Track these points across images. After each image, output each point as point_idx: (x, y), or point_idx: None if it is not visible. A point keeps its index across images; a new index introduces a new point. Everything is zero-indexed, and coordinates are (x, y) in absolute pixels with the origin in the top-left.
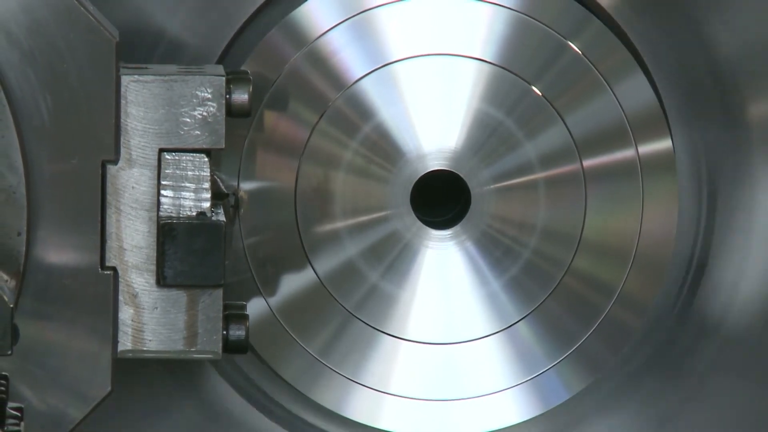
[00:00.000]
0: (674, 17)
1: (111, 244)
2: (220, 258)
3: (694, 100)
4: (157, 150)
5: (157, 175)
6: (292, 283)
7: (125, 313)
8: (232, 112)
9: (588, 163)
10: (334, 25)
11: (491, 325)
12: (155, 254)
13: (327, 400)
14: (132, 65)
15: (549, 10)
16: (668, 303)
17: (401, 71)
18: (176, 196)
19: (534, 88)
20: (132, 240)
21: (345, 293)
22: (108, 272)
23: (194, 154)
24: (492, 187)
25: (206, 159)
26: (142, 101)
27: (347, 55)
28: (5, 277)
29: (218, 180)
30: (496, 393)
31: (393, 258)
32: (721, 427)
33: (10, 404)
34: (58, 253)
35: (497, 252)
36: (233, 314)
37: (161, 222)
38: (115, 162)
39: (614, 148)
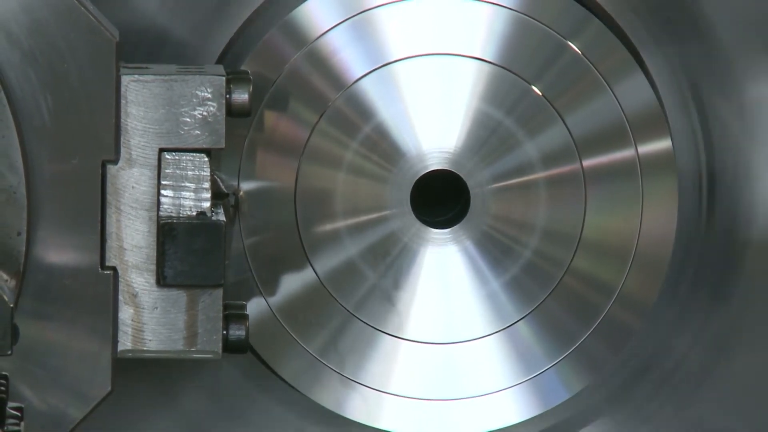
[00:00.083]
0: (674, 17)
1: (111, 243)
2: (220, 258)
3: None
4: (158, 150)
5: (157, 175)
6: (292, 283)
7: (125, 313)
8: (232, 111)
9: (588, 163)
10: (334, 25)
11: (491, 324)
12: (155, 254)
13: (327, 400)
14: (132, 65)
15: (549, 10)
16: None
17: (401, 71)
18: (176, 195)
19: (534, 88)
20: (132, 240)
21: (345, 293)
22: (108, 272)
23: (194, 154)
24: (492, 187)
25: (206, 159)
26: (143, 101)
27: (347, 55)
28: (5, 276)
29: (218, 180)
30: (495, 393)
31: (393, 258)
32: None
33: (11, 404)
34: (59, 252)
35: (497, 252)
36: (233, 314)
37: (161, 222)
38: (116, 162)
39: (614, 148)
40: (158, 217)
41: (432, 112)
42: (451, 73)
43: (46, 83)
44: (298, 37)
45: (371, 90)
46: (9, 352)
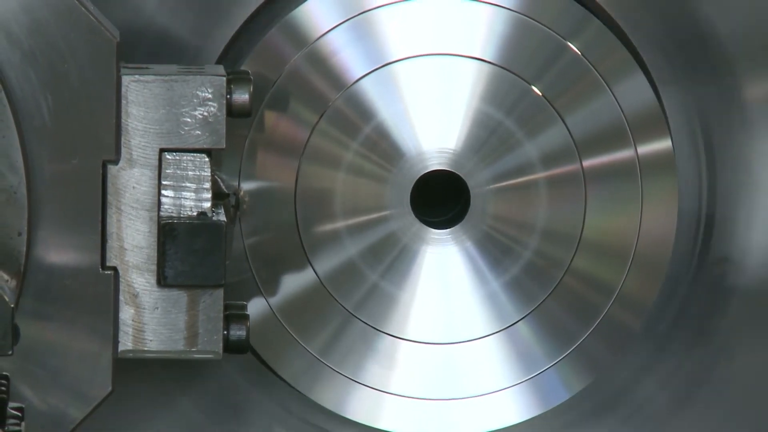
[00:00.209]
0: (674, 16)
1: (112, 244)
2: (221, 258)
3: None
4: (158, 150)
5: (157, 175)
6: (292, 283)
7: (126, 313)
8: (232, 112)
9: (588, 163)
10: (334, 25)
11: (491, 325)
12: (156, 254)
13: (327, 400)
14: (133, 65)
15: (549, 11)
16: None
17: (401, 71)
18: (177, 196)
19: (534, 88)
20: (133, 240)
21: (345, 293)
22: (109, 272)
23: (195, 154)
24: (492, 187)
25: (207, 159)
26: (143, 101)
27: (347, 55)
28: (6, 277)
29: (219, 180)
30: (495, 392)
31: (393, 258)
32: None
33: (11, 404)
34: (59, 253)
35: (497, 252)
36: (234, 314)
37: (162, 222)
38: (116, 162)
39: (614, 148)
40: (159, 217)
41: (432, 112)
42: (451, 73)
43: (47, 83)
44: (298, 38)
45: (371, 90)
46: (10, 353)
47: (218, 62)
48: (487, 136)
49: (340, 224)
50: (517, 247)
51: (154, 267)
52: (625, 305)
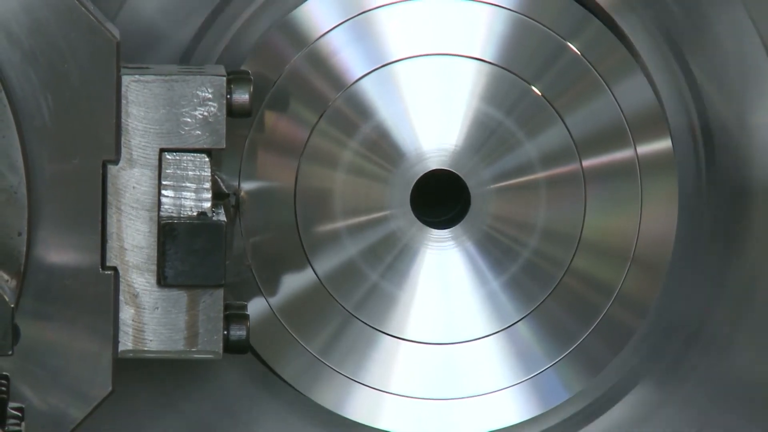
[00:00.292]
0: (674, 16)
1: (112, 244)
2: (221, 258)
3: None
4: (158, 150)
5: (157, 175)
6: (292, 283)
7: (126, 313)
8: (232, 111)
9: (587, 163)
10: (334, 25)
11: (491, 325)
12: (156, 254)
13: (327, 400)
14: (133, 65)
15: (548, 11)
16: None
17: (401, 71)
18: (177, 196)
19: (534, 88)
20: (133, 240)
21: (345, 293)
22: (109, 272)
23: (195, 154)
24: (492, 187)
25: (207, 159)
26: (143, 101)
27: (347, 55)
28: (6, 277)
29: (219, 180)
30: (495, 392)
31: (393, 258)
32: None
33: (11, 404)
34: (59, 253)
35: (497, 252)
36: (234, 314)
37: (162, 222)
38: (116, 162)
39: (613, 148)
40: (159, 217)
41: (432, 112)
42: (451, 73)
43: (47, 83)
44: (298, 38)
45: (371, 90)
46: (10, 353)
47: (218, 62)
48: (487, 136)
49: (340, 224)
50: (517, 247)
51: (154, 267)
52: (625, 305)
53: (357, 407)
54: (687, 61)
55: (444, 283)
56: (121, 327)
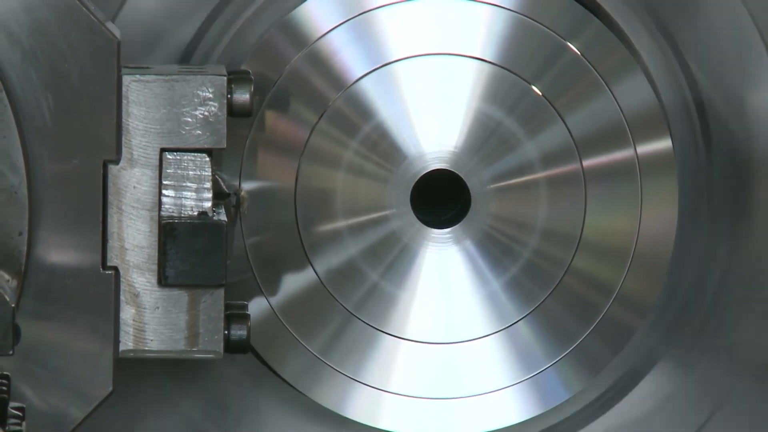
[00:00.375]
0: (674, 16)
1: (112, 243)
2: (222, 258)
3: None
4: (159, 150)
5: (158, 175)
6: (293, 282)
7: (127, 313)
8: (233, 111)
9: (588, 163)
10: (334, 25)
11: (491, 324)
12: (157, 254)
13: (327, 400)
14: (133, 65)
15: (549, 11)
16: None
17: (401, 71)
18: (178, 195)
19: (534, 88)
20: (133, 240)
21: (345, 293)
22: (109, 272)
23: (196, 154)
24: (492, 186)
25: (207, 159)
26: (144, 101)
27: (347, 55)
28: (7, 276)
29: (219, 180)
30: (495, 392)
31: (393, 258)
32: None
33: (12, 404)
34: (60, 252)
35: (497, 252)
36: (234, 314)
37: (163, 222)
38: (117, 162)
39: (613, 148)
40: (160, 217)
41: (432, 112)
42: (451, 73)
43: (48, 83)
44: (298, 37)
45: (371, 90)
46: (11, 352)
47: (218, 62)
48: (487, 136)
49: (340, 224)
50: (517, 246)
51: (154, 267)
52: (625, 305)
53: (357, 407)
54: (687, 60)
55: (444, 282)
56: (122, 327)
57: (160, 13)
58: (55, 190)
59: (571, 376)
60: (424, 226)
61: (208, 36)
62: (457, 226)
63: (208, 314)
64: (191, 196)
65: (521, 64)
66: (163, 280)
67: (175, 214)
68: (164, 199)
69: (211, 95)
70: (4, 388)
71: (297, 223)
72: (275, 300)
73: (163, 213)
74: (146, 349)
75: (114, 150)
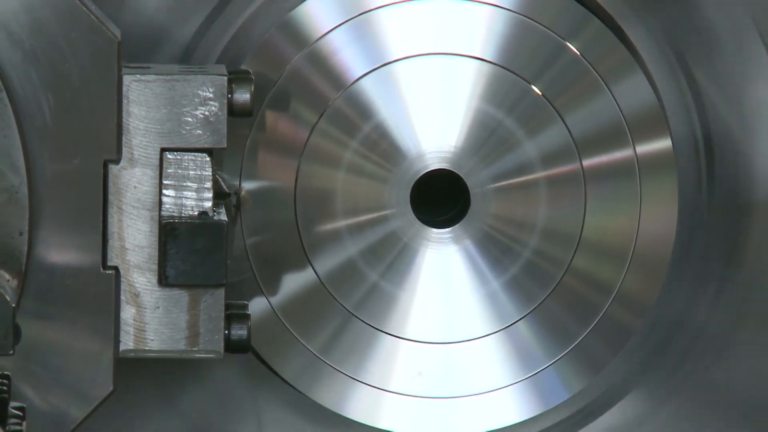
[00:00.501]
0: (674, 16)
1: (113, 243)
2: (222, 258)
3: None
4: (159, 149)
5: (159, 175)
6: (293, 282)
7: (127, 313)
8: (234, 111)
9: (587, 162)
10: (334, 25)
11: (491, 324)
12: (157, 254)
13: (327, 399)
14: (134, 65)
15: (548, 11)
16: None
17: (401, 71)
18: (178, 195)
19: (534, 88)
20: (134, 239)
21: (345, 293)
22: (110, 272)
23: (196, 154)
24: (492, 186)
25: (208, 158)
26: (144, 101)
27: (347, 55)
28: (7, 276)
29: (220, 179)
30: (495, 391)
31: (393, 258)
32: None
33: (12, 404)
34: (60, 252)
35: (497, 252)
36: (235, 314)
37: (163, 221)
38: (117, 161)
39: (613, 147)
40: (160, 216)
41: (432, 112)
42: (451, 73)
43: (48, 83)
44: (298, 37)
45: (371, 90)
46: (11, 352)
47: (218, 62)
48: (487, 136)
49: (340, 224)
50: (517, 246)
51: (155, 266)
52: (625, 304)
53: (357, 406)
54: (687, 61)
55: (444, 282)
56: (122, 326)
57: (161, 13)
58: (56, 189)
59: (571, 376)
60: (424, 226)
61: (208, 36)
62: (456, 226)
63: (208, 314)
64: (192, 196)
65: (521, 63)
66: (163, 280)
67: (175, 214)
68: (165, 199)
69: (211, 95)
70: (5, 387)
71: (297, 223)
72: (275, 300)
73: (163, 213)
74: (147, 348)
75: (114, 150)
